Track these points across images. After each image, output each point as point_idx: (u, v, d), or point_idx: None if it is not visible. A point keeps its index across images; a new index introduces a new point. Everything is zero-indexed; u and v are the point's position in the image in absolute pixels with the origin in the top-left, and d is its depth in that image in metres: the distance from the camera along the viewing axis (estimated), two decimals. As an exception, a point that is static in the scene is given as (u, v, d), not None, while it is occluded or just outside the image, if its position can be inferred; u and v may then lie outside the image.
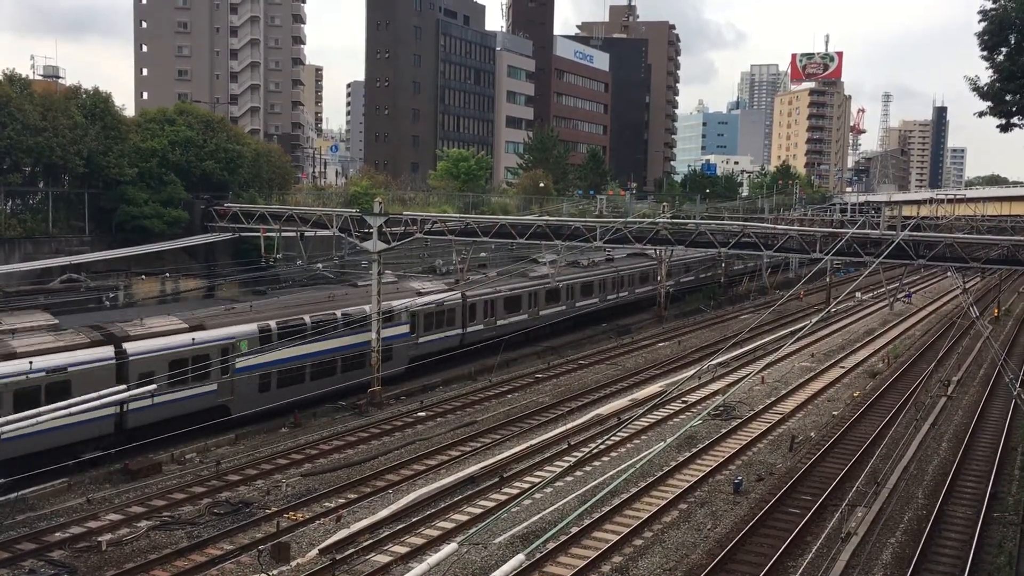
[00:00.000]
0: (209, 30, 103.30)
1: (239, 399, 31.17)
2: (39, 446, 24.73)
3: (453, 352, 41.84)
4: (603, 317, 56.01)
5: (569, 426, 33.10)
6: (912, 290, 77.97)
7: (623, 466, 28.21)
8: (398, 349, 37.86)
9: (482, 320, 44.01)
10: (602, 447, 29.87)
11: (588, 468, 28.43)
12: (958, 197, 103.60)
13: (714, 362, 40.09)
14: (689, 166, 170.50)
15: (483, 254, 54.54)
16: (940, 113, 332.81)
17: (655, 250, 57.94)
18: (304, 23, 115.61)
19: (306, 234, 43.18)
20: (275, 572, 20.61)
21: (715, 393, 38.86)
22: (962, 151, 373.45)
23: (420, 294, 40.02)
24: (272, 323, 32.40)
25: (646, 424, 33.58)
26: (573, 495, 25.88)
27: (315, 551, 21.59)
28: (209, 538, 22.40)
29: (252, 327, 31.72)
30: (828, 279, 75.26)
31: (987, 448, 31.61)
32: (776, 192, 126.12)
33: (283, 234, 42.71)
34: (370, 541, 22.19)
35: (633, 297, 59.59)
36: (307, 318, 33.78)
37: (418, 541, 22.36)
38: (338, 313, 35.29)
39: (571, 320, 52.20)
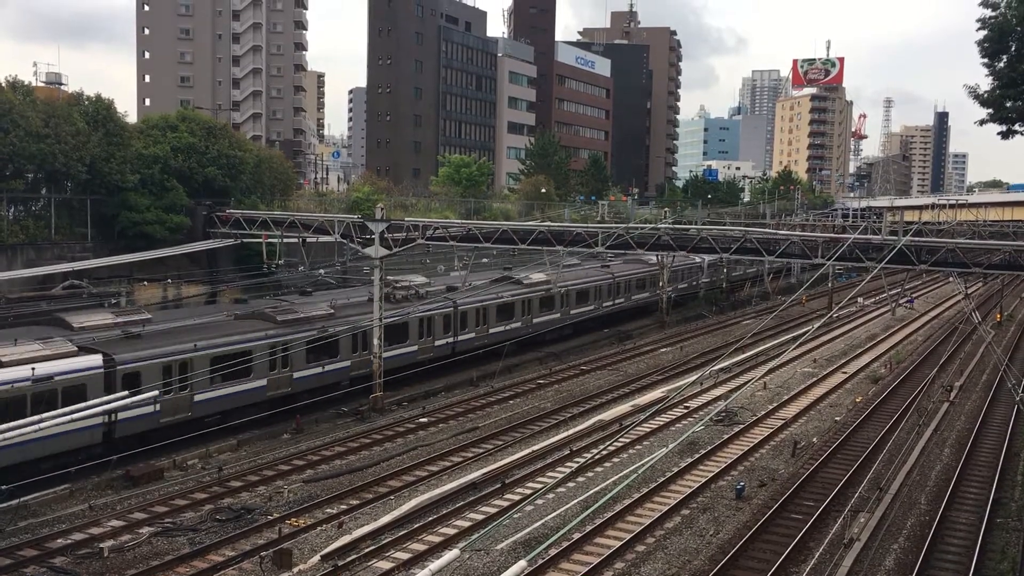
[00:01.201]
0: (211, 36, 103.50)
1: None
2: None
3: (93, 461, 26.03)
4: (427, 373, 39.95)
5: (571, 432, 33.07)
6: (914, 295, 77.90)
7: (625, 472, 28.17)
8: None
9: (163, 397, 27.42)
10: (604, 453, 29.89)
11: (590, 474, 28.43)
12: (960, 202, 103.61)
13: (716, 367, 40.06)
14: (691, 171, 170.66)
15: (485, 260, 54.21)
16: (941, 118, 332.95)
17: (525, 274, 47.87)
18: (306, 29, 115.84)
19: (308, 240, 43.17)
20: (277, 578, 20.61)
21: (717, 399, 38.85)
22: (963, 156, 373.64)
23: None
24: None
25: (648, 430, 33.57)
26: (575, 501, 25.86)
27: (317, 557, 21.60)
28: (211, 544, 22.40)
29: None
30: (830, 284, 75.33)
31: (990, 453, 31.57)
32: (778, 197, 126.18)
33: (285, 240, 42.73)
34: (372, 547, 22.18)
35: (486, 340, 43.80)
36: None
37: (420, 547, 22.34)
38: None
39: (352, 380, 35.64)
